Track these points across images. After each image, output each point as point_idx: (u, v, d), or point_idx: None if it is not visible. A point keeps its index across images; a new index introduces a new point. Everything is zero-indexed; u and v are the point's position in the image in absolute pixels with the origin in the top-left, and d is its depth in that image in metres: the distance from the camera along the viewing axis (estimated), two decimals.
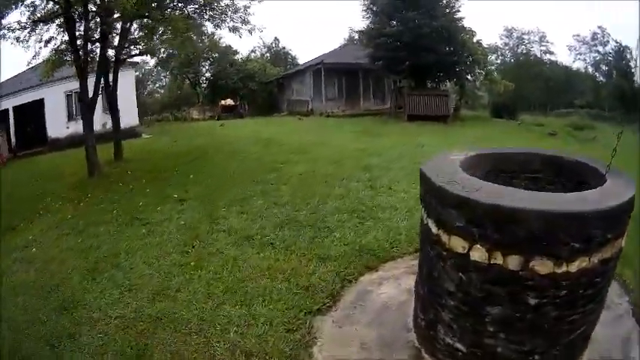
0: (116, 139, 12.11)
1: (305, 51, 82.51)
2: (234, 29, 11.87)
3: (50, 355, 3.34)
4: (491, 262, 2.05)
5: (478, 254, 2.08)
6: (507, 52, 43.35)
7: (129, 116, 19.09)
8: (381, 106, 24.35)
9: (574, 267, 1.98)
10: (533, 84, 37.18)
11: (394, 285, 3.68)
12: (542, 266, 1.97)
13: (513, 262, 2.01)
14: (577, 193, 2.23)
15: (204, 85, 34.93)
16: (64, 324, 3.68)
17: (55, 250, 5.60)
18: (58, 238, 6.08)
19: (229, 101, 30.27)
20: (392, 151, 10.07)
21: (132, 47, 12.17)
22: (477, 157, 3.05)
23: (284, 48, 43.83)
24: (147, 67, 36.09)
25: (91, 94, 10.13)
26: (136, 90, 24.52)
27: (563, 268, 1.97)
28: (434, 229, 2.34)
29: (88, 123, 10.19)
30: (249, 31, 11.98)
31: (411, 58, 18.71)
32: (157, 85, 42.59)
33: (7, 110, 18.27)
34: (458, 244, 2.15)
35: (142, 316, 3.65)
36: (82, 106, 10.59)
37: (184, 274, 4.36)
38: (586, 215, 1.95)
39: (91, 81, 10.26)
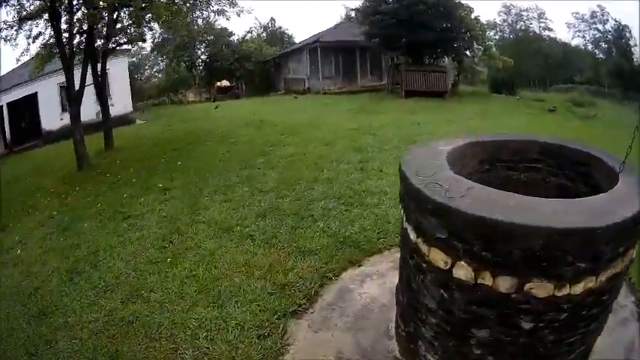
0: (106, 129, 11.85)
1: (301, 30, 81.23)
2: (220, 12, 11.42)
3: None
4: (478, 282, 1.70)
5: (462, 272, 1.74)
6: (506, 28, 42.53)
7: (122, 103, 18.92)
8: (378, 83, 23.85)
9: (578, 288, 1.64)
10: (532, 60, 36.45)
11: (378, 283, 3.38)
12: (540, 289, 1.63)
13: (505, 283, 1.67)
14: (582, 201, 1.85)
15: (200, 67, 34.35)
16: (42, 330, 3.53)
17: (38, 251, 5.38)
18: (43, 237, 5.85)
19: (225, 82, 29.95)
20: (387, 129, 9.72)
21: (120, 36, 11.75)
22: (468, 146, 2.67)
23: (280, 28, 43.13)
24: (144, 53, 35.81)
25: (77, 87, 9.79)
26: (134, 75, 23.97)
27: (566, 291, 1.63)
28: (412, 236, 1.99)
29: (75, 116, 9.87)
30: (237, 14, 11.54)
31: (408, 35, 18.42)
32: (155, 69, 42.01)
33: (0, 107, 18.03)
34: (439, 257, 1.80)
35: (115, 319, 3.48)
36: (68, 99, 10.25)
37: (159, 272, 4.13)
38: (595, 231, 1.57)
39: (77, 73, 9.91)
